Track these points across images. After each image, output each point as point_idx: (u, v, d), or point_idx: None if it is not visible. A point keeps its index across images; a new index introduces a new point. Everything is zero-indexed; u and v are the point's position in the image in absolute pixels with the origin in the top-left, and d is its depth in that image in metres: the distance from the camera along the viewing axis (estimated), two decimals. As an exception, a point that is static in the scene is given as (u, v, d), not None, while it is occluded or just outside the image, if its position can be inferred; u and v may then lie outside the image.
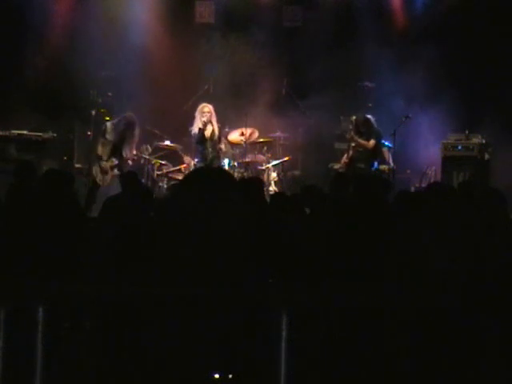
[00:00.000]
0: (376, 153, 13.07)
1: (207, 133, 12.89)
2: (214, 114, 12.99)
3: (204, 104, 13.12)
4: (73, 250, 6.58)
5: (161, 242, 5.34)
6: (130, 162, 12.87)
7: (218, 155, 13.08)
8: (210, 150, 12.96)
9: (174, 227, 5.17)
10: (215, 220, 5.08)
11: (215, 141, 13.00)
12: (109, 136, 12.79)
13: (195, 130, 12.98)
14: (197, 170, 8.62)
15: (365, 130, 13.05)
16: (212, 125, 12.94)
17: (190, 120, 13.22)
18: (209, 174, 5.35)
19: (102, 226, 7.16)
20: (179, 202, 5.20)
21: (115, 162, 12.69)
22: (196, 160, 13.07)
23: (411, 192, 10.00)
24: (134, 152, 12.89)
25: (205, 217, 5.05)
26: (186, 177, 7.11)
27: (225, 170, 11.70)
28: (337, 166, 13.23)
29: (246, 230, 5.33)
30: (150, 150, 13.28)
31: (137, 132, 12.83)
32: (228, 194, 5.02)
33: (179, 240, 5.13)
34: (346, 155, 13.23)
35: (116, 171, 12.65)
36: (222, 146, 13.51)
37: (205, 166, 12.17)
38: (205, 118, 12.89)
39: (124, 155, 12.76)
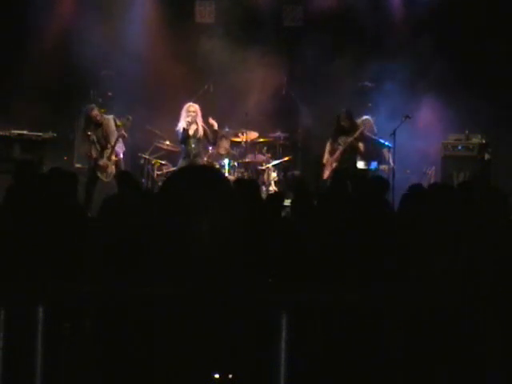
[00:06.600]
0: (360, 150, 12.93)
1: (191, 131, 12.91)
2: (199, 114, 13.00)
3: (190, 104, 13.12)
4: (73, 250, 6.57)
5: (158, 242, 5.34)
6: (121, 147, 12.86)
7: (200, 152, 13.05)
8: (193, 146, 12.95)
9: (169, 226, 5.17)
10: (212, 219, 5.08)
11: (198, 138, 12.99)
12: (92, 137, 12.77)
13: (180, 129, 12.99)
14: (181, 169, 8.54)
15: (348, 124, 12.85)
16: (196, 124, 12.95)
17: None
18: (194, 173, 5.34)
19: (101, 226, 7.15)
20: (171, 201, 5.19)
21: (109, 152, 12.63)
22: (181, 158, 13.07)
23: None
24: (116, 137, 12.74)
25: (201, 216, 5.05)
26: (171, 176, 7.08)
27: (211, 167, 11.63)
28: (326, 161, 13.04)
29: (243, 229, 5.33)
30: (130, 119, 12.99)
31: (102, 118, 12.66)
32: (217, 191, 5.01)
33: (177, 239, 5.13)
34: (330, 153, 12.99)
35: (114, 157, 12.61)
36: (221, 149, 13.54)
37: (190, 165, 12.14)
38: (189, 117, 12.90)
39: (112, 143, 12.72)
